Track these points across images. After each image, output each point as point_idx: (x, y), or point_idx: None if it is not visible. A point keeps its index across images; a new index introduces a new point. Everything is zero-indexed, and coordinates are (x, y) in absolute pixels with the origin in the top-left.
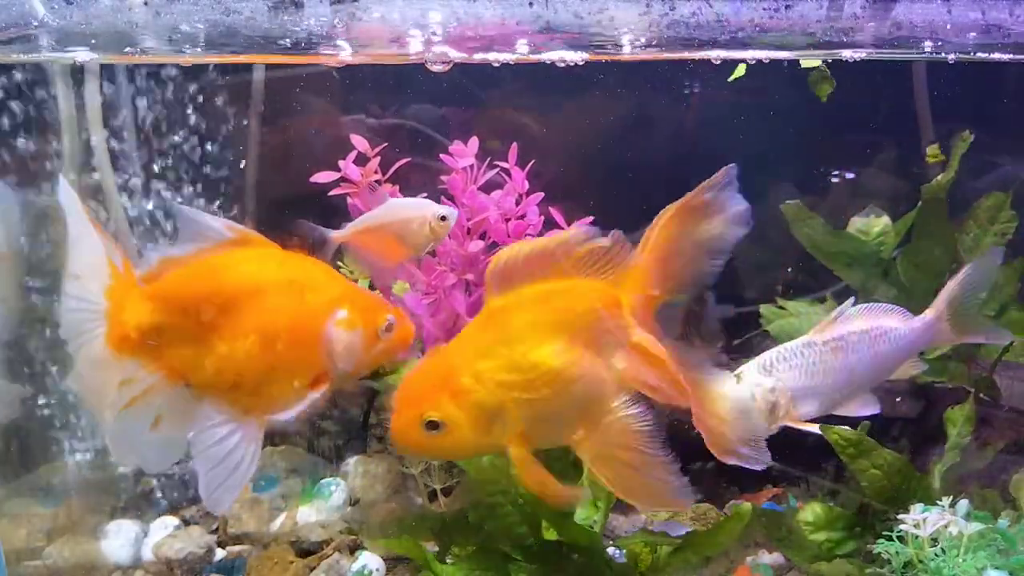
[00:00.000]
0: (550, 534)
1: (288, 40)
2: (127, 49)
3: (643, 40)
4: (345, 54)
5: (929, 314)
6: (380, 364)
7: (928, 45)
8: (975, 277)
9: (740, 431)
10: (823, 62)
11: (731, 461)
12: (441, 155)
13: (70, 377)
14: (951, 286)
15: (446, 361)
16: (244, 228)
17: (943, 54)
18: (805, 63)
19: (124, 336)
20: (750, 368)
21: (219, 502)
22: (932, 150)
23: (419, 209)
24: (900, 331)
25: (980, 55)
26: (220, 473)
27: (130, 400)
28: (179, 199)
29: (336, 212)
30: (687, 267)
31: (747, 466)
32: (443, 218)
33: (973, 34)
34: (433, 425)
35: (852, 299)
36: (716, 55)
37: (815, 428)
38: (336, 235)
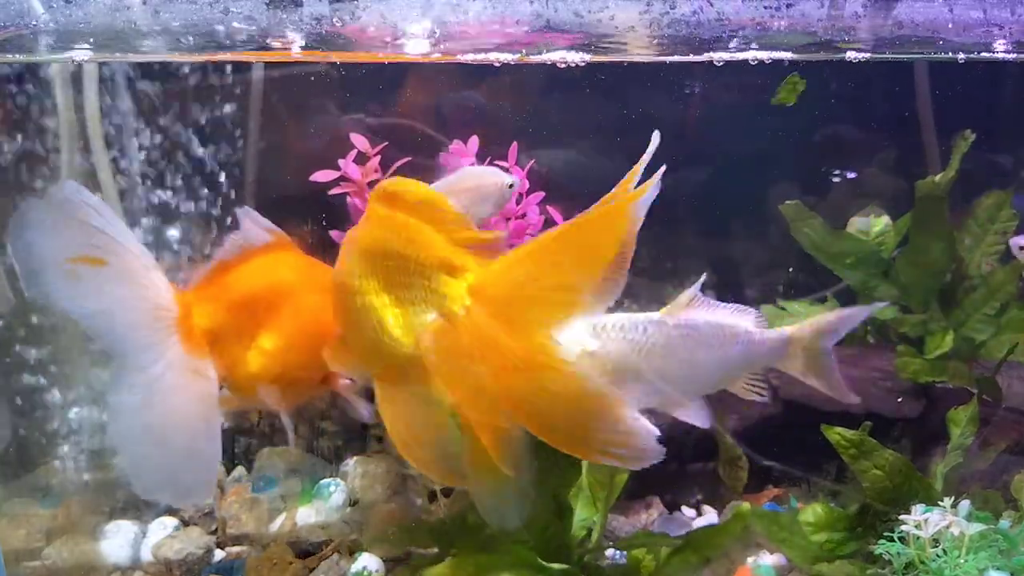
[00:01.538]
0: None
1: (287, 38)
2: (126, 48)
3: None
4: (345, 52)
5: (788, 330)
6: None
7: (929, 44)
8: (848, 322)
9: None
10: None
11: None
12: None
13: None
14: (824, 317)
15: None
16: (283, 233)
17: (947, 53)
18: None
19: (199, 338)
20: (579, 325)
21: None
22: None
23: (493, 176)
24: (754, 337)
25: (984, 55)
26: None
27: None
28: (178, 198)
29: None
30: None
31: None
32: (511, 185)
33: (974, 32)
34: None
35: (700, 282)
36: (719, 56)
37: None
38: None
